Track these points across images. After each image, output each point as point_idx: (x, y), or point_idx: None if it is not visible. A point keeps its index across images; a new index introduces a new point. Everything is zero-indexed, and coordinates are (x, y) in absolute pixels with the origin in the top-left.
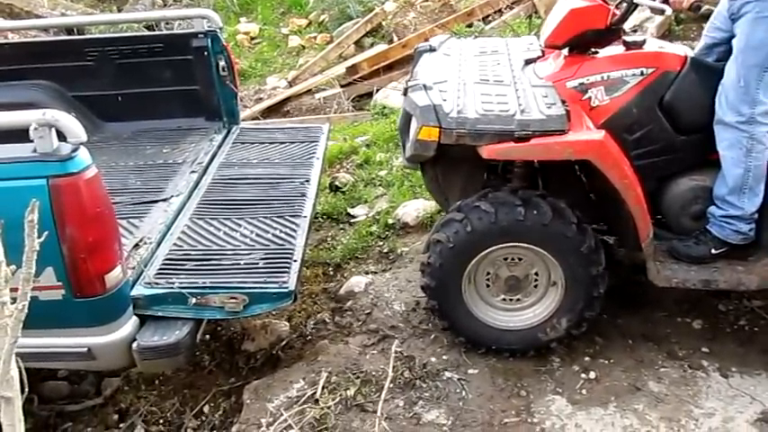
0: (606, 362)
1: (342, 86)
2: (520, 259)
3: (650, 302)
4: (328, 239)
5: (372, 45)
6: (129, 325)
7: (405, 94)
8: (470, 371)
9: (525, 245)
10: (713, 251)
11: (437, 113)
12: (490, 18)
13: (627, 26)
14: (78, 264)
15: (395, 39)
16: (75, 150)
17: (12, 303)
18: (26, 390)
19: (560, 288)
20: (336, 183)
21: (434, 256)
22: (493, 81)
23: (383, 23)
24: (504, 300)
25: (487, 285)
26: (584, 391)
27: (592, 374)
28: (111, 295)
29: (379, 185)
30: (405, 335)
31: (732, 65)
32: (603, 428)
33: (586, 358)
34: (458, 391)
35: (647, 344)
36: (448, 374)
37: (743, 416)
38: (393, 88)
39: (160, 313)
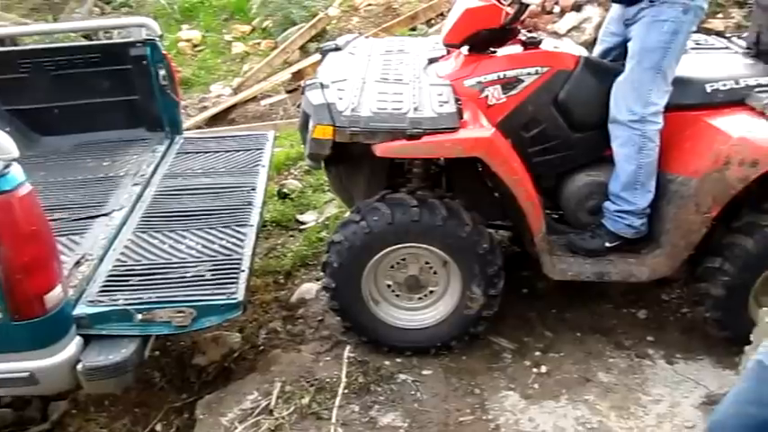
0: (557, 355)
1: (288, 92)
2: (427, 263)
3: (597, 295)
4: (278, 247)
5: (317, 50)
6: (72, 346)
7: (302, 92)
8: (424, 372)
9: (422, 245)
10: (607, 244)
11: (331, 112)
12: (433, 21)
13: (565, 27)
14: (14, 285)
15: None
16: (6, 167)
17: None
18: None
19: (458, 288)
20: (284, 190)
21: (333, 256)
22: (393, 80)
23: (327, 28)
24: (406, 299)
25: (389, 285)
26: (536, 386)
27: (543, 368)
28: (51, 316)
29: (328, 191)
30: (357, 340)
31: (627, 66)
32: (556, 421)
33: (537, 353)
34: (412, 392)
35: (595, 336)
36: (402, 377)
37: (688, 400)
38: None
39: (105, 332)
